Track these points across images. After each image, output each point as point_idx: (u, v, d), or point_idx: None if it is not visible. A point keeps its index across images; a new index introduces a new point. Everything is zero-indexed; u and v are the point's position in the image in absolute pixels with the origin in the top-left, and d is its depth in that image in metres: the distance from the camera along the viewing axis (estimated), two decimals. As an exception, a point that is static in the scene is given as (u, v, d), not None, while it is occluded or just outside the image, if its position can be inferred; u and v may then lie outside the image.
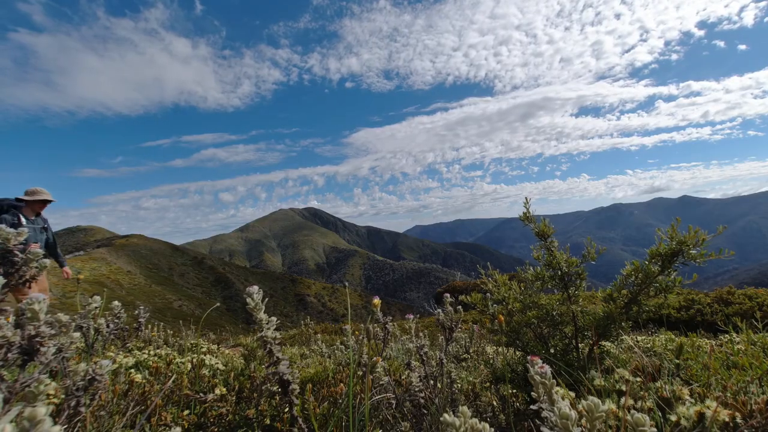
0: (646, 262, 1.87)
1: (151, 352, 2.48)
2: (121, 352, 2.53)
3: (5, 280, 1.12)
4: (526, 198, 2.12)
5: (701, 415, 1.05)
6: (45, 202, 5.19)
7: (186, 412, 1.70)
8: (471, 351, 4.09)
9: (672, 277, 1.82)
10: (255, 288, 1.34)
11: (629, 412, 0.85)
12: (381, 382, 1.77)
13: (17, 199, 5.06)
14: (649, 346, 2.96)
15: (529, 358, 0.92)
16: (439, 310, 2.16)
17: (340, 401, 1.82)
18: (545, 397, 0.87)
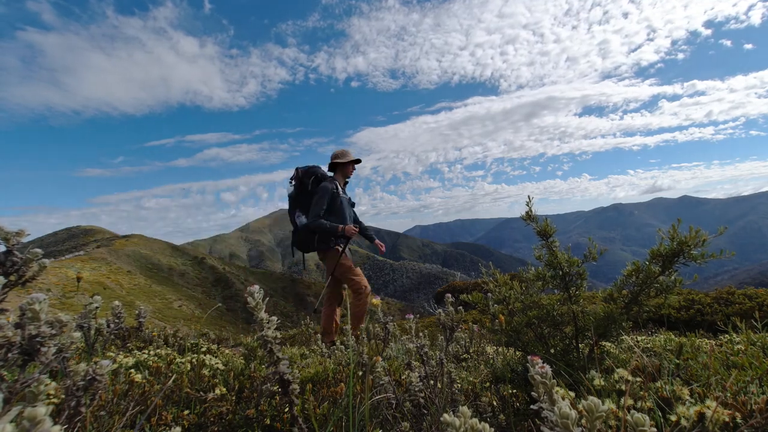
0: (647, 263, 1.87)
1: (151, 352, 2.48)
2: (121, 352, 2.53)
3: (6, 280, 1.12)
4: (528, 197, 2.10)
5: (701, 415, 1.05)
6: (354, 163, 4.51)
7: (186, 411, 1.70)
8: (471, 351, 4.08)
9: (673, 277, 1.82)
10: (256, 287, 1.34)
11: (629, 412, 0.85)
12: (381, 382, 1.77)
13: (330, 166, 4.49)
14: (649, 346, 2.95)
15: (529, 358, 0.92)
16: (440, 310, 2.16)
17: (340, 401, 1.82)
18: (545, 397, 0.86)
